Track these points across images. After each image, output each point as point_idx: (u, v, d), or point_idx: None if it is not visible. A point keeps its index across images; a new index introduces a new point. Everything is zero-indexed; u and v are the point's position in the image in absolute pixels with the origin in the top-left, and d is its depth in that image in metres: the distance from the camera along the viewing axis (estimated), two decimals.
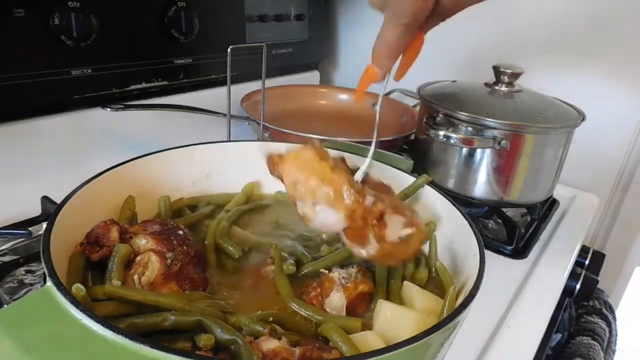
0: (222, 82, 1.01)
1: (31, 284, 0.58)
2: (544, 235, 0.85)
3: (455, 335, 0.41)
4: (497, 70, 0.86)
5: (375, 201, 0.45)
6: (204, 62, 1.01)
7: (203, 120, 0.96)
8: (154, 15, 0.90)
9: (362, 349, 0.41)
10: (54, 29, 0.75)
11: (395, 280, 0.52)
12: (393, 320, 0.45)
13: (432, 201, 0.59)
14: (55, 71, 0.78)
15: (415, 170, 0.71)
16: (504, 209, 0.88)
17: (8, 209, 0.71)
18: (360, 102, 0.51)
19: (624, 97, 1.02)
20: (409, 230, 0.45)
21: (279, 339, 0.39)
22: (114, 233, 0.47)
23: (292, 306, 0.48)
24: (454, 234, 0.54)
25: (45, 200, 0.70)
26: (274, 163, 0.50)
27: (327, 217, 0.46)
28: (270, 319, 0.43)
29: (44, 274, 0.40)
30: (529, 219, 0.89)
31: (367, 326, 0.46)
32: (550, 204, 0.95)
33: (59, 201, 0.48)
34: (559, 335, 0.82)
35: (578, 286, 0.78)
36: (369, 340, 0.42)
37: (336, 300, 0.48)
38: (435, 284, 0.54)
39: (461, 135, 0.80)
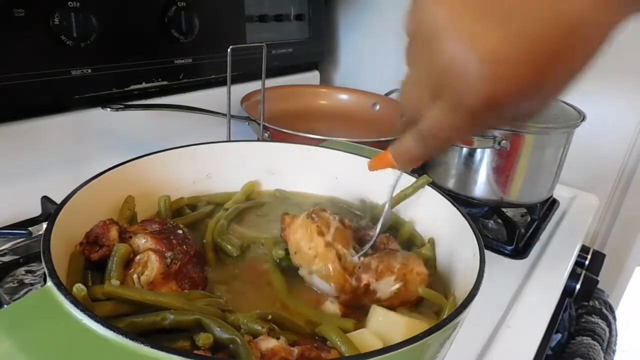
0: (222, 82, 1.01)
1: (31, 284, 0.58)
2: (544, 235, 0.85)
3: (455, 335, 0.41)
4: None
5: (360, 277, 0.48)
6: (204, 62, 1.01)
7: (203, 120, 0.96)
8: (154, 15, 0.90)
9: (359, 347, 0.41)
10: (54, 29, 0.75)
11: None
12: (385, 325, 0.45)
13: (432, 201, 0.59)
14: (55, 71, 0.78)
15: (415, 170, 0.71)
16: (504, 209, 0.88)
17: (8, 209, 0.71)
18: (371, 170, 0.49)
19: (624, 97, 1.02)
20: (397, 286, 0.48)
21: (278, 338, 0.39)
22: (114, 232, 0.47)
23: (288, 304, 0.49)
24: (454, 234, 0.54)
25: (45, 200, 0.70)
26: (284, 225, 0.54)
27: (320, 286, 0.50)
28: (269, 317, 0.43)
29: (44, 274, 0.40)
30: (529, 219, 0.89)
31: (360, 327, 0.46)
32: (550, 204, 0.95)
33: (59, 201, 0.48)
34: (559, 335, 0.82)
35: (578, 286, 0.78)
36: (366, 339, 0.42)
37: (331, 310, 0.49)
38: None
39: None
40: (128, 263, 0.46)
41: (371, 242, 0.53)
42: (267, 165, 0.69)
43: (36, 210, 0.71)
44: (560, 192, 0.98)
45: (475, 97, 0.30)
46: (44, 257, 0.39)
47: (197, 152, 0.65)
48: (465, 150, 0.83)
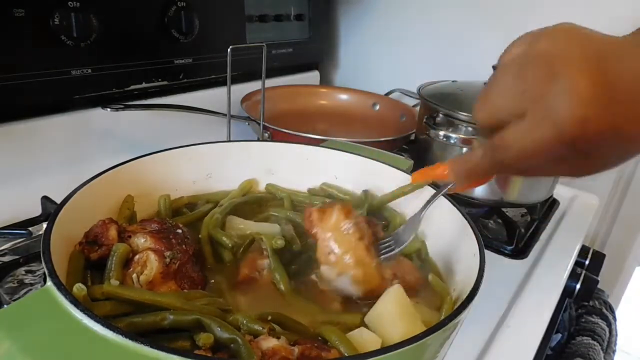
0: (222, 82, 1.01)
1: (31, 284, 0.58)
2: (544, 235, 0.85)
3: (455, 335, 0.41)
4: None
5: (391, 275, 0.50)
6: (204, 62, 1.01)
7: (203, 120, 0.96)
8: (154, 15, 0.90)
9: (357, 345, 0.41)
10: (54, 29, 0.75)
11: None
12: (386, 319, 0.45)
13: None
14: (55, 71, 0.78)
15: (415, 170, 0.71)
16: (504, 209, 0.88)
17: (8, 209, 0.71)
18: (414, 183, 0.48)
19: None
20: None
21: (278, 337, 0.39)
22: (113, 232, 0.47)
23: (292, 302, 0.48)
24: (454, 234, 0.54)
25: (45, 200, 0.70)
26: (310, 220, 0.52)
27: (344, 286, 0.49)
28: (269, 317, 0.43)
29: (44, 274, 0.40)
30: (529, 219, 0.89)
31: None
32: (550, 204, 0.95)
33: (59, 201, 0.48)
34: (559, 335, 0.82)
35: (578, 286, 0.78)
36: (363, 337, 0.43)
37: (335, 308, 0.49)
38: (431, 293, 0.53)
39: (461, 135, 0.80)
40: (127, 263, 0.46)
41: (395, 252, 0.52)
42: (267, 165, 0.69)
43: (36, 210, 0.71)
44: (560, 192, 0.98)
45: (577, 123, 0.31)
46: (43, 257, 0.39)
47: (197, 152, 0.65)
48: (465, 150, 0.83)
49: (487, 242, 0.80)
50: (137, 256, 0.46)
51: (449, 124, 0.83)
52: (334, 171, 0.68)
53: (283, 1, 1.18)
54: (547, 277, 0.74)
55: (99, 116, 0.86)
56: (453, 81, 0.96)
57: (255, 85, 1.05)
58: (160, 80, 0.94)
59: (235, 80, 0.87)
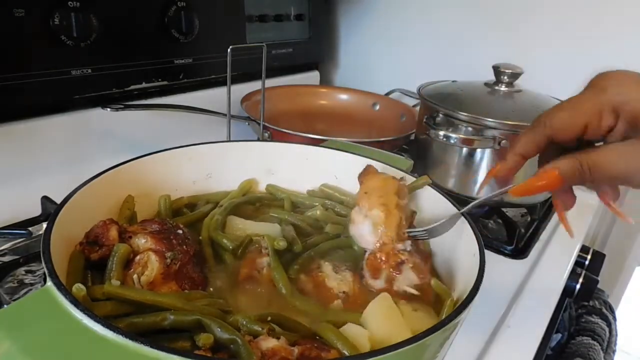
0: (222, 82, 1.01)
1: (31, 284, 0.58)
2: (544, 235, 0.85)
3: (455, 335, 0.41)
4: (497, 70, 0.86)
5: (404, 251, 0.51)
6: (204, 62, 1.01)
7: (203, 120, 0.96)
8: (154, 15, 0.90)
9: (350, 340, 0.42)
10: (54, 29, 0.75)
11: None
12: (384, 318, 0.46)
13: (432, 201, 0.59)
14: (55, 71, 0.78)
15: (415, 170, 0.71)
16: (504, 209, 0.88)
17: (8, 209, 0.71)
18: (516, 196, 0.48)
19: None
20: (413, 291, 0.50)
21: (278, 338, 0.39)
22: (113, 232, 0.47)
23: (292, 302, 0.48)
24: (453, 234, 0.54)
25: (45, 200, 0.70)
26: (367, 172, 0.58)
27: (365, 231, 0.53)
28: (269, 318, 0.43)
29: (44, 274, 0.40)
30: (529, 219, 0.89)
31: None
32: (551, 204, 0.95)
33: (59, 201, 0.48)
34: (559, 335, 0.82)
35: (578, 286, 0.78)
36: (352, 331, 0.43)
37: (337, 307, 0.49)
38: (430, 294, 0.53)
39: (461, 135, 0.80)
40: (128, 263, 0.46)
41: (423, 236, 0.54)
42: (267, 165, 0.69)
43: (36, 210, 0.71)
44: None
45: None
46: (43, 257, 0.39)
47: (197, 152, 0.65)
48: (465, 150, 0.83)
49: (487, 242, 0.80)
50: (137, 257, 0.46)
51: (449, 124, 0.83)
52: (334, 171, 0.68)
53: (283, 1, 1.18)
54: (547, 277, 0.74)
55: (99, 116, 0.86)
56: (453, 81, 0.96)
57: (255, 85, 1.05)
58: (160, 80, 0.94)
59: (235, 80, 0.87)
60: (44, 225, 0.52)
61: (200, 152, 0.65)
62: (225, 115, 0.86)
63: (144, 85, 0.92)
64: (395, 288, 0.50)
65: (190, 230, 0.55)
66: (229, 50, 0.77)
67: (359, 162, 0.66)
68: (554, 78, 1.03)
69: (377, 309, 0.46)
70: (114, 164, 0.57)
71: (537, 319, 0.65)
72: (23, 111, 0.79)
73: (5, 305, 0.55)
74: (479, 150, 0.82)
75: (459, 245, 0.53)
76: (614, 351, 0.84)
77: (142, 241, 0.48)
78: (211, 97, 1.02)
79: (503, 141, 0.79)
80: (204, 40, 0.98)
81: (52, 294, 0.35)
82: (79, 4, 0.77)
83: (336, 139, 0.78)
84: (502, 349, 0.58)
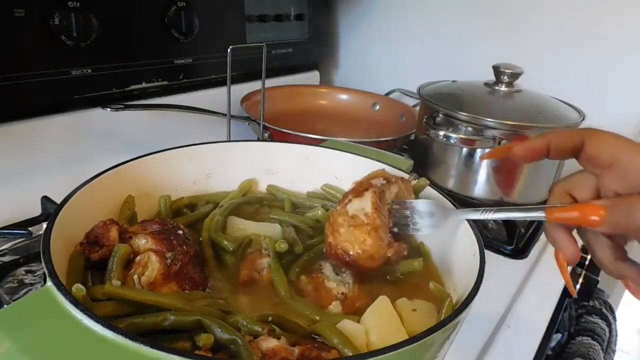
0: (222, 82, 1.01)
1: (31, 284, 0.58)
2: (544, 235, 0.85)
3: (455, 335, 0.41)
4: (497, 70, 0.86)
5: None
6: (204, 62, 1.01)
7: (203, 120, 0.96)
8: (154, 16, 0.90)
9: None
10: (54, 29, 0.75)
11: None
12: (382, 321, 0.46)
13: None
14: (55, 71, 0.78)
15: (415, 170, 0.71)
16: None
17: (8, 209, 0.71)
18: (550, 221, 0.42)
19: (624, 96, 1.02)
20: (359, 215, 0.49)
21: (278, 338, 0.39)
22: (114, 233, 0.47)
23: (292, 304, 0.48)
24: (454, 234, 0.54)
25: (45, 200, 0.70)
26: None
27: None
28: (269, 319, 0.43)
29: (44, 274, 0.40)
30: None
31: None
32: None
33: (59, 201, 0.48)
34: (559, 335, 0.82)
35: (578, 286, 0.78)
36: (347, 327, 0.43)
37: (336, 310, 0.49)
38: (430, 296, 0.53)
39: (461, 135, 0.80)
40: (128, 263, 0.46)
41: (404, 214, 0.53)
42: (267, 165, 0.69)
43: (36, 210, 0.71)
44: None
45: None
46: (43, 257, 0.39)
47: (197, 152, 0.65)
48: (465, 150, 0.83)
49: (487, 242, 0.80)
50: (138, 257, 0.46)
51: (449, 124, 0.83)
52: (334, 171, 0.68)
53: (283, 1, 1.18)
54: (547, 277, 0.74)
55: (99, 116, 0.86)
56: (453, 81, 0.96)
57: (255, 85, 1.05)
58: (160, 80, 0.94)
59: (235, 80, 0.87)
60: (44, 225, 0.52)
61: (200, 152, 0.65)
62: (225, 115, 0.86)
63: (144, 85, 0.92)
64: (347, 208, 0.50)
65: (191, 231, 0.55)
66: (229, 50, 0.77)
67: (359, 162, 0.66)
68: (554, 78, 1.03)
69: (376, 312, 0.46)
70: (114, 164, 0.57)
71: (537, 319, 0.65)
72: (23, 111, 0.79)
73: (5, 305, 0.55)
74: (479, 150, 0.82)
75: (459, 245, 0.53)
76: (613, 351, 0.84)
77: (142, 241, 0.48)
78: (211, 97, 1.02)
79: (503, 141, 0.79)
80: (204, 40, 0.98)
81: (52, 294, 0.35)
82: (79, 4, 0.77)
83: (336, 139, 0.78)
84: (502, 349, 0.58)
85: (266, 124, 0.92)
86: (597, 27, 1.03)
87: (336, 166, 0.68)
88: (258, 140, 0.95)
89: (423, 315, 0.48)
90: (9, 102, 0.75)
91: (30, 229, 0.66)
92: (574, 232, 0.43)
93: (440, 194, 0.59)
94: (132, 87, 0.90)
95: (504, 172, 0.82)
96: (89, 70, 0.82)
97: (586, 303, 0.87)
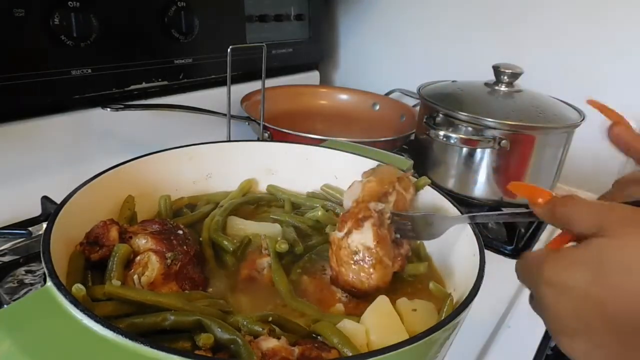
0: (222, 82, 1.01)
1: (31, 284, 0.58)
2: (544, 235, 0.85)
3: (455, 335, 0.41)
4: (497, 70, 0.86)
5: (377, 212, 0.51)
6: (204, 62, 1.01)
7: (203, 120, 0.96)
8: (154, 15, 0.90)
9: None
10: (54, 29, 0.75)
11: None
12: (382, 321, 0.46)
13: (432, 201, 0.59)
14: (55, 71, 0.78)
15: (415, 170, 0.71)
16: (504, 209, 0.88)
17: (8, 209, 0.71)
18: None
19: (624, 96, 1.02)
20: (360, 249, 0.49)
21: (278, 338, 0.39)
22: (114, 233, 0.47)
23: (292, 304, 0.48)
24: (453, 234, 0.54)
25: (45, 200, 0.70)
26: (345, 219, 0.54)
27: (351, 193, 0.55)
28: (270, 319, 0.43)
29: (44, 274, 0.40)
30: None
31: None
32: None
33: (59, 201, 0.48)
34: None
35: None
36: (347, 327, 0.43)
37: (339, 310, 0.50)
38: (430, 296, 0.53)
39: (461, 135, 0.80)
40: (128, 263, 0.46)
41: (406, 224, 0.53)
42: (267, 165, 0.69)
43: (36, 210, 0.71)
44: (560, 192, 0.97)
45: None
46: (43, 257, 0.39)
47: (197, 152, 0.65)
48: (465, 150, 0.83)
49: (487, 242, 0.80)
50: (138, 257, 0.46)
51: (449, 124, 0.83)
52: (334, 171, 0.68)
53: (283, 1, 1.18)
54: None
55: (99, 116, 0.86)
56: (453, 81, 0.96)
57: (255, 85, 1.05)
58: (160, 80, 0.94)
59: (235, 80, 0.87)
60: (44, 225, 0.52)
61: (200, 152, 0.65)
62: (225, 115, 0.86)
63: (144, 85, 0.92)
64: (349, 241, 0.49)
65: (191, 231, 0.55)
66: (229, 50, 0.77)
67: (359, 162, 0.66)
68: (554, 78, 1.03)
69: (376, 312, 0.46)
70: (114, 164, 0.57)
71: (537, 319, 0.65)
72: (23, 111, 0.79)
73: (5, 305, 0.55)
74: (479, 150, 0.82)
75: (458, 245, 0.53)
76: None
77: (142, 241, 0.48)
78: (211, 97, 1.02)
79: (503, 141, 0.79)
80: (204, 40, 0.98)
81: (52, 294, 0.35)
82: (79, 4, 0.77)
83: (336, 139, 0.78)
84: (502, 349, 0.58)
85: (266, 124, 0.92)
86: (597, 27, 1.03)
87: (336, 166, 0.68)
88: (258, 140, 0.95)
89: (423, 315, 0.48)
90: (9, 102, 0.75)
91: (30, 229, 0.66)
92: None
93: (441, 193, 0.59)
94: (132, 87, 0.90)
95: (504, 171, 0.82)
96: (89, 70, 0.82)
97: None
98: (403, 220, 0.53)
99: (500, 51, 1.11)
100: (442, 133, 0.81)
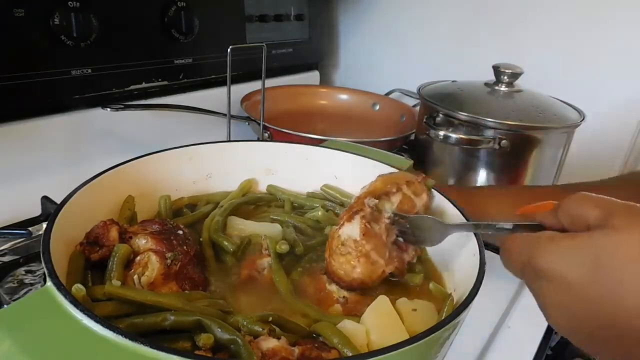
0: (222, 82, 1.01)
1: (31, 284, 0.58)
2: None
3: (455, 335, 0.41)
4: (497, 70, 0.86)
5: (372, 207, 0.51)
6: (204, 62, 1.01)
7: (203, 120, 0.96)
8: (154, 15, 0.90)
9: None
10: (54, 29, 0.75)
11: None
12: (382, 321, 0.46)
13: (437, 205, 0.59)
14: (55, 71, 0.78)
15: (416, 169, 0.71)
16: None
17: (8, 209, 0.71)
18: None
19: (624, 96, 1.02)
20: (348, 241, 0.50)
21: (278, 338, 0.39)
22: (114, 233, 0.47)
23: (292, 304, 0.48)
24: (453, 234, 0.54)
25: (45, 200, 0.70)
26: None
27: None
28: (270, 319, 0.43)
29: (44, 274, 0.40)
30: None
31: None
32: None
33: (59, 201, 0.48)
34: (559, 335, 0.82)
35: None
36: (347, 327, 0.43)
37: (337, 311, 0.49)
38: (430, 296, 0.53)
39: (461, 135, 0.80)
40: (128, 263, 0.46)
41: (404, 225, 0.53)
42: (267, 165, 0.69)
43: (36, 210, 0.71)
44: None
45: None
46: (43, 257, 0.39)
47: (197, 152, 0.65)
48: (465, 150, 0.83)
49: (487, 242, 0.80)
50: (138, 257, 0.46)
51: (449, 124, 0.83)
52: (334, 171, 0.68)
53: (283, 1, 1.18)
54: None
55: (99, 116, 0.86)
56: (453, 81, 0.96)
57: (255, 85, 1.05)
58: (160, 80, 0.94)
59: (235, 80, 0.87)
60: (44, 225, 0.52)
61: (200, 152, 0.65)
62: (225, 115, 0.86)
63: (144, 85, 0.92)
64: (340, 232, 0.50)
65: (191, 231, 0.55)
66: (229, 50, 0.77)
67: (359, 162, 0.66)
68: (554, 78, 1.03)
69: (376, 312, 0.46)
70: (114, 164, 0.57)
71: (537, 319, 0.65)
72: (23, 111, 0.79)
73: (5, 305, 0.55)
74: (479, 150, 0.82)
75: (458, 245, 0.53)
76: None
77: (142, 242, 0.48)
78: (211, 97, 1.02)
79: (503, 141, 0.79)
80: (204, 40, 0.98)
81: (52, 294, 0.35)
82: (79, 4, 0.77)
83: (336, 139, 0.78)
84: (502, 349, 0.58)
85: (266, 124, 0.92)
86: (597, 27, 1.03)
87: (336, 166, 0.68)
88: (258, 140, 0.95)
89: (423, 315, 0.48)
90: (9, 102, 0.75)
91: (30, 229, 0.66)
92: None
93: (441, 193, 0.59)
94: (132, 87, 0.90)
95: (504, 171, 0.82)
96: (89, 70, 0.82)
97: None
98: (404, 222, 0.53)
99: (500, 51, 1.11)
100: (442, 133, 0.81)
